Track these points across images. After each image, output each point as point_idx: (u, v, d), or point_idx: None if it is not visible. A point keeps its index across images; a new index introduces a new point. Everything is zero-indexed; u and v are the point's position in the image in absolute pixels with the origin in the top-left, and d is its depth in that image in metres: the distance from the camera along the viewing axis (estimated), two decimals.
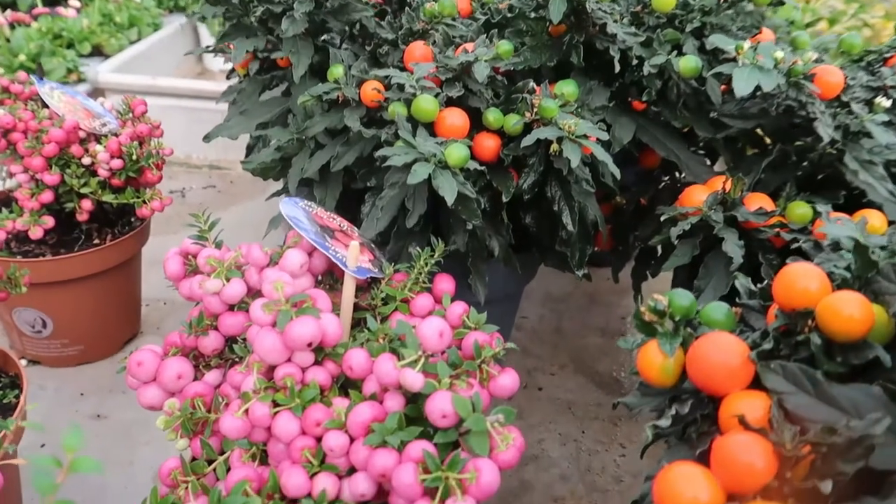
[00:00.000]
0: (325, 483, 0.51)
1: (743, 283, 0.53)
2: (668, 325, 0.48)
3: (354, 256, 0.64)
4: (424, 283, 0.69)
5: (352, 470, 0.53)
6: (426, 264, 0.69)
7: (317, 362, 0.58)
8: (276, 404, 0.55)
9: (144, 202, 1.01)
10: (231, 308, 0.65)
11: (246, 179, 1.69)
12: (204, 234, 0.70)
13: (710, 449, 0.40)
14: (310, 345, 0.54)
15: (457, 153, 0.68)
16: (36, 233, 0.97)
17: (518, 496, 0.95)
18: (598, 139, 0.74)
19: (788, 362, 0.41)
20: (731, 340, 0.44)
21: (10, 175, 0.98)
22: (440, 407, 0.51)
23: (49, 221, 0.98)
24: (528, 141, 0.72)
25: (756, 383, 0.43)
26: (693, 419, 0.46)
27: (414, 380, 0.52)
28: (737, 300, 0.52)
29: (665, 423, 0.46)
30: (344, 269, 0.63)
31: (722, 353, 0.43)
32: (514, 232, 0.84)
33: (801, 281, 0.45)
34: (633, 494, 1.03)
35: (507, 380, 0.59)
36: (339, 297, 0.65)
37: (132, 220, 1.08)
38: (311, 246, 0.66)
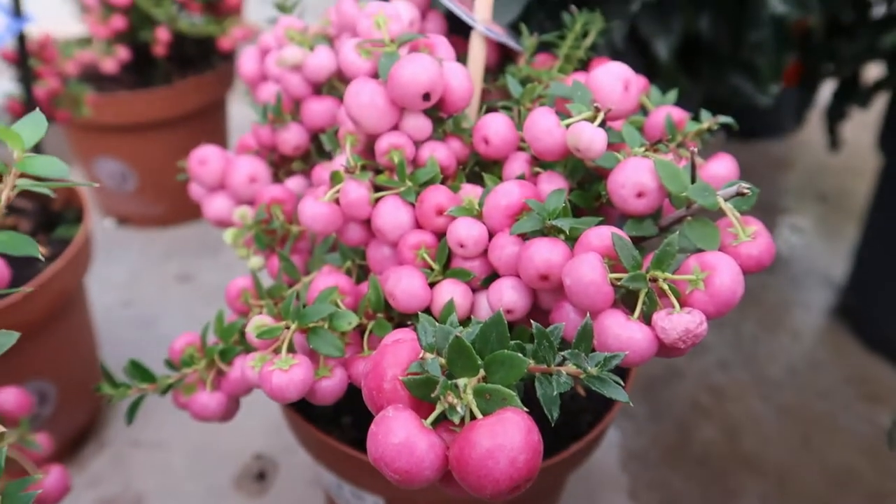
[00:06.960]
0: (452, 292, 0.34)
1: None
2: None
3: (485, 6, 0.44)
4: (581, 59, 0.48)
5: (489, 280, 0.35)
6: (584, 34, 0.48)
7: (435, 137, 0.40)
8: (377, 189, 0.38)
9: (224, 31, 0.86)
10: (318, 91, 0.48)
11: None
12: (286, 8, 0.53)
13: None
14: (426, 97, 0.36)
15: None
16: (109, 66, 0.84)
17: (667, 383, 0.76)
18: None
19: None
20: None
21: None
22: (634, 179, 0.32)
23: (123, 53, 0.85)
24: None
25: None
26: None
27: (592, 137, 0.32)
28: None
29: None
30: (470, 23, 0.44)
31: None
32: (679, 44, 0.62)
33: None
34: (818, 387, 0.83)
35: (722, 167, 0.38)
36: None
37: (213, 60, 0.94)
38: (425, 2, 0.48)
